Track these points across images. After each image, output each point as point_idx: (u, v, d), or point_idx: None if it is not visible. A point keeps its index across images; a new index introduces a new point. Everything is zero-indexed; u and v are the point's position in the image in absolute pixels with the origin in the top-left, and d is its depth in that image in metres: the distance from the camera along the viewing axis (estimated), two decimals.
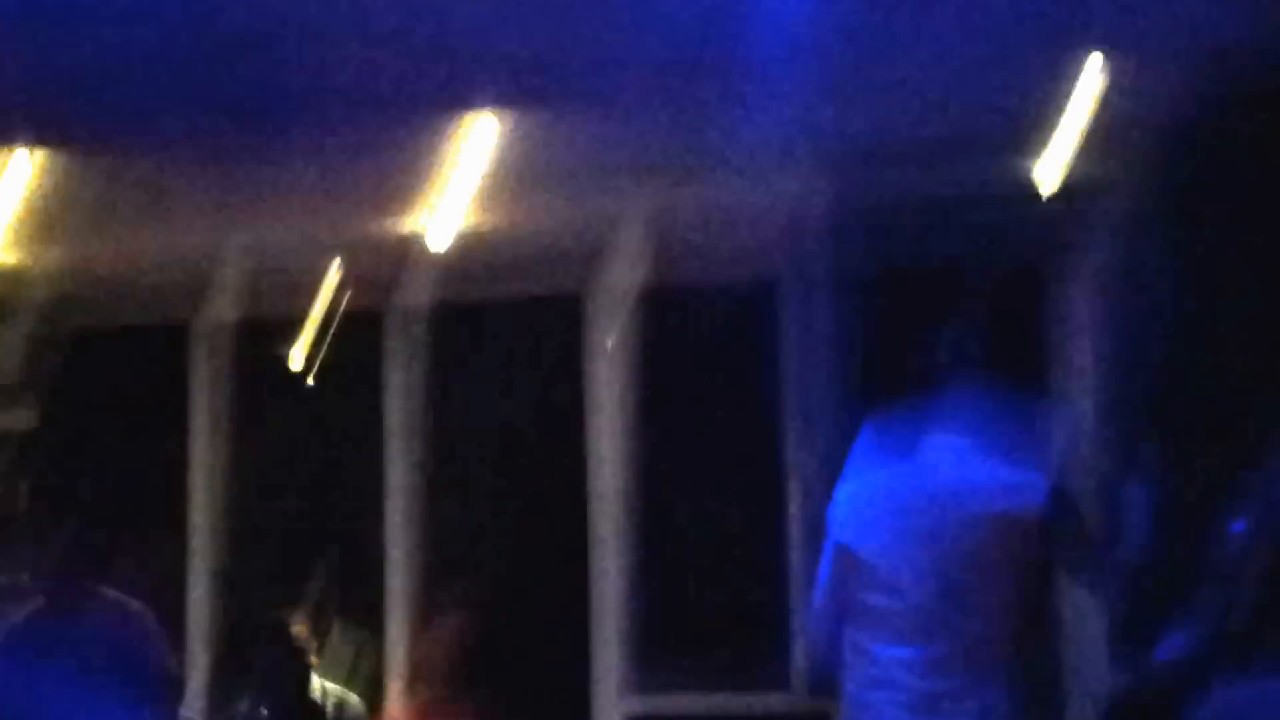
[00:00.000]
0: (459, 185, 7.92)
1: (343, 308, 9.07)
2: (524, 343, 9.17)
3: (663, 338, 9.21)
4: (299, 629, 7.49)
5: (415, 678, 8.97)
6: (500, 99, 7.40)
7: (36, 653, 7.34)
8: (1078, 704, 6.53)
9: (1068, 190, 7.29)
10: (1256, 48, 5.88)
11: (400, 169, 8.03)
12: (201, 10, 6.76)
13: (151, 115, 7.30)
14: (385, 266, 8.62)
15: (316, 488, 9.46)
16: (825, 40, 6.58)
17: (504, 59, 7.02)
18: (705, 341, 9.21)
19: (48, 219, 8.46)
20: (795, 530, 8.07)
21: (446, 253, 8.21)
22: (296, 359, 9.43)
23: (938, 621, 4.87)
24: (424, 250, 8.23)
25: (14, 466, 9.17)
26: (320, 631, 7.94)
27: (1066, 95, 6.72)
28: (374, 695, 8.52)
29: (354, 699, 7.47)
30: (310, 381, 9.49)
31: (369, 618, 8.98)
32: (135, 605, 7.49)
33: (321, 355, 9.48)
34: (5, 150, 7.71)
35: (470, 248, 8.28)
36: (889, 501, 5.05)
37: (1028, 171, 7.21)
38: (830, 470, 7.91)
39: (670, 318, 9.16)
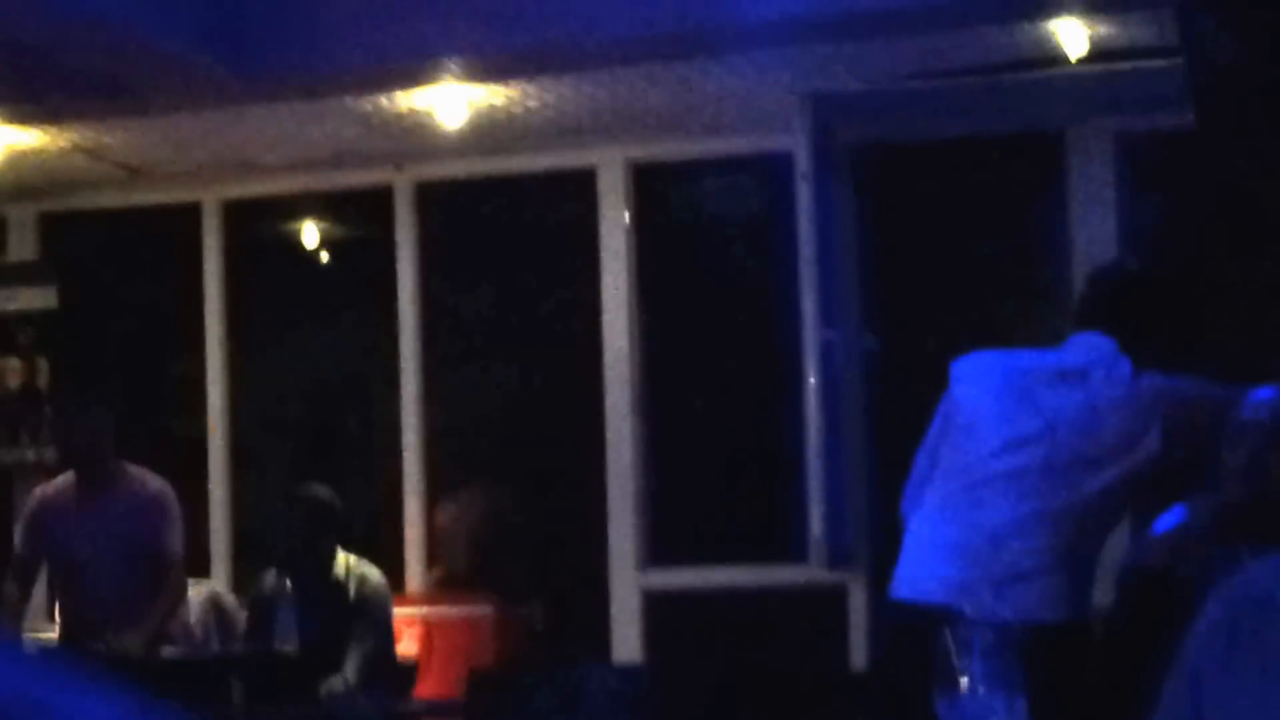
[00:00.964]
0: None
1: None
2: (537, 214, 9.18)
3: (677, 210, 9.22)
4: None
5: (434, 553, 9.02)
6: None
7: (65, 520, 7.46)
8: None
9: (1090, 55, 7.29)
10: None
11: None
12: None
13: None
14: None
15: (330, 361, 9.49)
16: None
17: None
18: (721, 214, 9.22)
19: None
20: (812, 402, 8.07)
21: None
22: (307, 234, 9.46)
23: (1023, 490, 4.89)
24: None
25: (35, 344, 9.19)
26: None
27: None
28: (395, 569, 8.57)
29: (375, 573, 7.50)
30: (322, 256, 9.51)
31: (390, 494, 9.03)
32: (154, 484, 7.56)
33: (332, 230, 9.51)
34: None
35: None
36: (1012, 364, 5.07)
37: (1050, 36, 7.20)
38: (842, 340, 8.05)
39: (686, 191, 9.17)
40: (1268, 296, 5.40)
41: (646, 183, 8.83)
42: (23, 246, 9.54)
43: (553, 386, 9.13)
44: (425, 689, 8.01)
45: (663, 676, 7.81)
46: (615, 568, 8.79)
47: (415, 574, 8.99)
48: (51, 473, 8.06)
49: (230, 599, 8.17)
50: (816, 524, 7.97)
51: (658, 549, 8.80)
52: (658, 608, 8.75)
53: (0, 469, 9.24)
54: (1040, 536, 4.79)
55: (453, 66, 7.58)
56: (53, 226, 9.54)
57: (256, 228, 9.45)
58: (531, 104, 8.11)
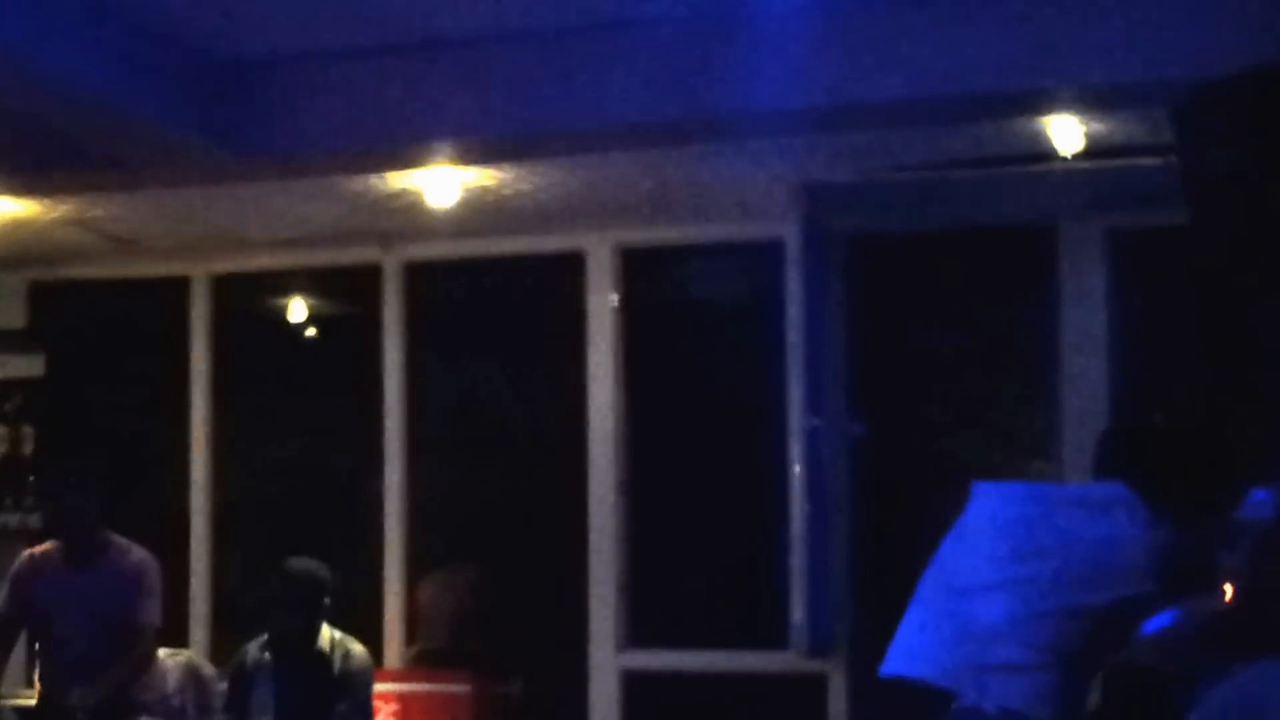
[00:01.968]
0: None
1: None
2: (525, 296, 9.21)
3: (665, 294, 9.25)
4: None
5: (413, 629, 9.01)
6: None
7: (49, 585, 7.47)
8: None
9: (1084, 151, 7.35)
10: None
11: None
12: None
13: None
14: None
15: (315, 436, 9.50)
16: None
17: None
18: (709, 299, 9.26)
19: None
20: (796, 489, 8.10)
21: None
22: (294, 310, 9.48)
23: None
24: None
25: (21, 411, 9.20)
26: None
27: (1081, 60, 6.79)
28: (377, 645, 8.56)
29: (358, 647, 7.50)
30: (308, 332, 9.53)
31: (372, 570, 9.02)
32: (138, 554, 7.59)
33: (319, 306, 9.54)
34: None
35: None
36: (1036, 489, 5.12)
37: (1044, 132, 7.27)
38: (827, 427, 8.07)
39: (674, 275, 9.20)
40: (1255, 407, 5.44)
41: (635, 266, 8.86)
42: (12, 314, 9.55)
43: (537, 466, 9.13)
44: None
45: None
46: (595, 647, 8.78)
47: (394, 649, 8.98)
48: (35, 538, 8.09)
49: (209, 669, 8.15)
50: (797, 611, 7.97)
51: (638, 630, 8.79)
52: (636, 688, 8.74)
53: None
54: (1039, 636, 4.81)
55: (444, 149, 7.62)
56: (42, 295, 9.56)
57: (244, 302, 9.47)
58: (521, 187, 8.14)
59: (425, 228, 8.65)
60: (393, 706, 8.42)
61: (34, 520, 8.74)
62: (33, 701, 7.72)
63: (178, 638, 8.54)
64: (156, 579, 7.59)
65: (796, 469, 8.15)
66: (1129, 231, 8.05)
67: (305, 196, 8.32)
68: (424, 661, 8.94)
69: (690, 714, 8.73)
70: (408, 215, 8.46)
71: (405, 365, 9.08)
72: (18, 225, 8.67)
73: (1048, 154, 7.38)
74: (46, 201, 8.35)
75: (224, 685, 7.71)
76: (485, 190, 8.15)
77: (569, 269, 8.86)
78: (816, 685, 8.32)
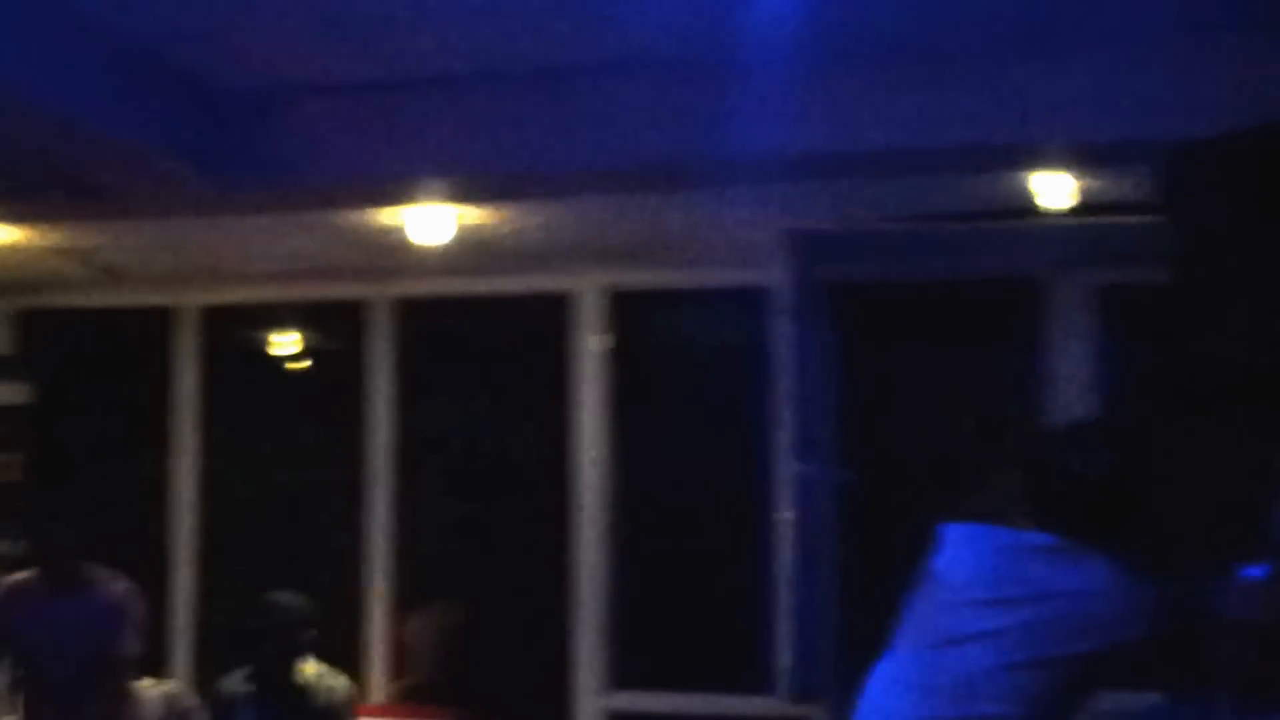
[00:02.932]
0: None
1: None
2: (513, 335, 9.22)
3: (653, 337, 9.26)
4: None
5: (398, 665, 9.00)
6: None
7: (30, 614, 7.46)
8: None
9: (1071, 207, 7.38)
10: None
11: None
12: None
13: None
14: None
15: (300, 470, 9.49)
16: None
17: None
18: (697, 343, 9.26)
19: None
20: (783, 535, 8.09)
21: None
22: (282, 343, 9.49)
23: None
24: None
25: (8, 439, 9.21)
26: None
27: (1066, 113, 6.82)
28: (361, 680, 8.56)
29: (343, 683, 7.50)
30: (296, 365, 9.54)
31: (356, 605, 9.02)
32: (119, 586, 7.58)
33: (307, 340, 9.54)
34: None
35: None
36: (1005, 536, 5.10)
37: (1031, 186, 7.30)
38: (815, 474, 8.07)
39: (663, 318, 9.21)
40: (1235, 464, 5.43)
41: (624, 309, 8.88)
42: (0, 342, 9.56)
43: (523, 505, 9.13)
44: None
45: None
46: (580, 688, 8.78)
47: (379, 685, 8.97)
48: (20, 566, 8.07)
49: (191, 700, 8.14)
50: (784, 656, 7.96)
51: (623, 671, 8.79)
52: None
53: None
54: (1010, 686, 4.79)
55: (435, 187, 7.63)
56: (31, 323, 9.58)
57: (232, 334, 9.48)
58: (511, 226, 8.16)
59: (415, 265, 8.66)
60: None
61: (20, 548, 8.73)
62: None
63: (160, 668, 8.54)
64: (138, 610, 7.59)
65: (784, 515, 8.15)
66: (1116, 287, 8.07)
67: (295, 230, 8.33)
68: (408, 697, 8.93)
69: None
70: (397, 252, 8.47)
71: (392, 401, 9.09)
72: (7, 253, 8.68)
73: (1035, 208, 7.40)
74: (36, 230, 8.36)
75: (206, 717, 7.71)
76: (475, 229, 8.16)
77: (557, 309, 8.88)
78: None
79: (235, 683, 7.51)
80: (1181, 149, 5.66)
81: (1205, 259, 5.58)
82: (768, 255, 8.09)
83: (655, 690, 8.72)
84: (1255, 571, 4.38)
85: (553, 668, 8.83)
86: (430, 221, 7.99)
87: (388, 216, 8.02)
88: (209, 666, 8.68)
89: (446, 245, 8.20)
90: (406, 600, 9.06)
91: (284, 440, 9.45)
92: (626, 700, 8.73)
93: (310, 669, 7.47)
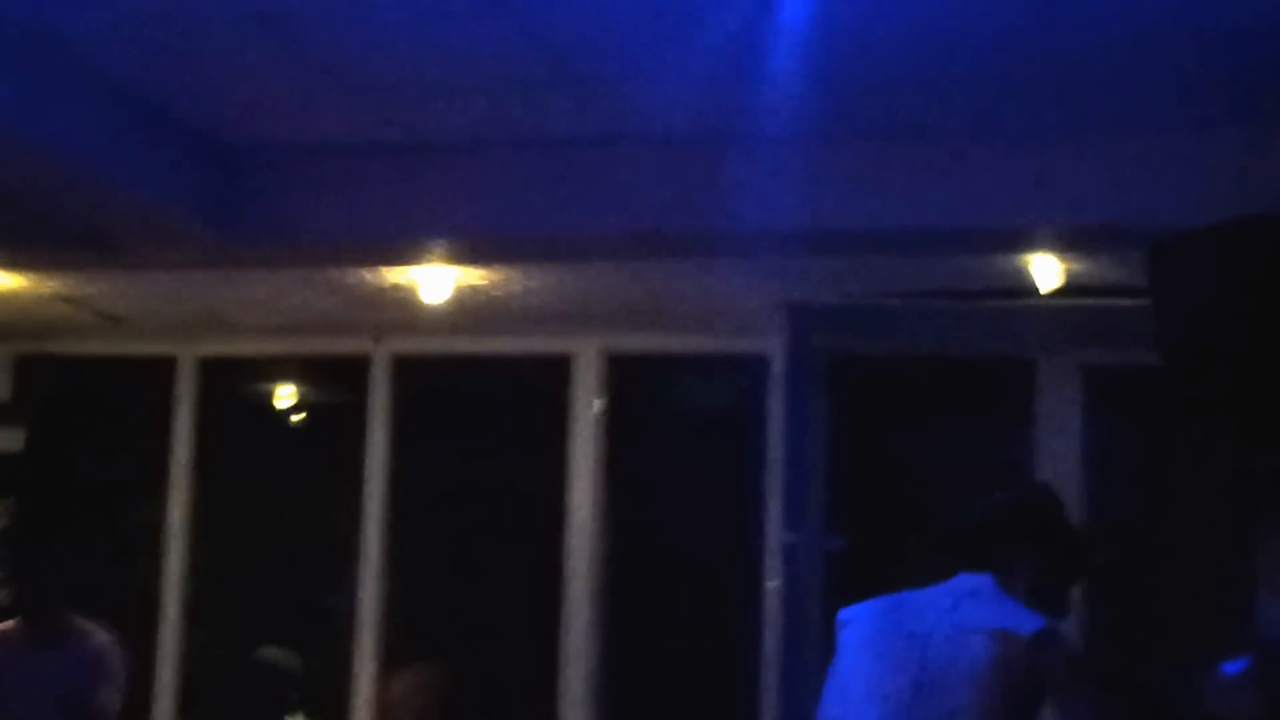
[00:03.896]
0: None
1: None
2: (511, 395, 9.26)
3: (649, 402, 9.30)
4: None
5: None
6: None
7: (7, 666, 7.42)
8: None
9: (1062, 288, 7.44)
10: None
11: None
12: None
13: None
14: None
15: (293, 524, 9.51)
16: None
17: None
18: (692, 409, 9.30)
19: None
20: (771, 603, 8.13)
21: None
22: (281, 396, 9.52)
23: None
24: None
25: (2, 484, 9.20)
26: None
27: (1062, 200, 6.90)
28: None
29: None
30: (293, 419, 9.57)
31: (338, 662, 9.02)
32: (101, 638, 7.53)
33: (306, 394, 9.57)
34: None
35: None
36: (891, 601, 5.13)
37: (1024, 268, 7.36)
38: (805, 543, 8.10)
39: (659, 384, 9.25)
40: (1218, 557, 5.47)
41: (621, 373, 8.92)
42: None
43: (515, 566, 9.14)
44: None
45: None
46: None
47: None
48: (4, 614, 8.04)
49: None
50: None
51: None
52: None
53: None
54: None
55: (438, 247, 7.69)
56: (27, 369, 9.60)
57: (231, 386, 9.51)
58: (513, 288, 8.21)
59: (416, 322, 8.70)
60: None
61: (5, 596, 8.71)
62: None
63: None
64: (118, 664, 7.50)
65: (772, 583, 8.18)
66: (1105, 369, 8.12)
67: (298, 285, 8.38)
68: None
69: None
70: (399, 309, 8.52)
71: (388, 457, 9.12)
72: (7, 298, 8.72)
73: (1027, 290, 7.47)
74: (37, 276, 8.41)
75: None
76: (477, 289, 8.21)
77: (556, 371, 8.92)
78: None
79: None
80: (1168, 238, 5.72)
81: (1190, 347, 5.63)
82: (765, 325, 8.16)
83: None
84: (1234, 667, 4.40)
85: None
86: (432, 280, 8.05)
87: (390, 274, 8.08)
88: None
89: (447, 304, 8.26)
90: (394, 658, 9.05)
91: (278, 493, 9.47)
92: None
93: None
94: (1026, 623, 4.81)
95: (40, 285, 8.55)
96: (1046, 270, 7.32)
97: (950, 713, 4.76)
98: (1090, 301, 7.55)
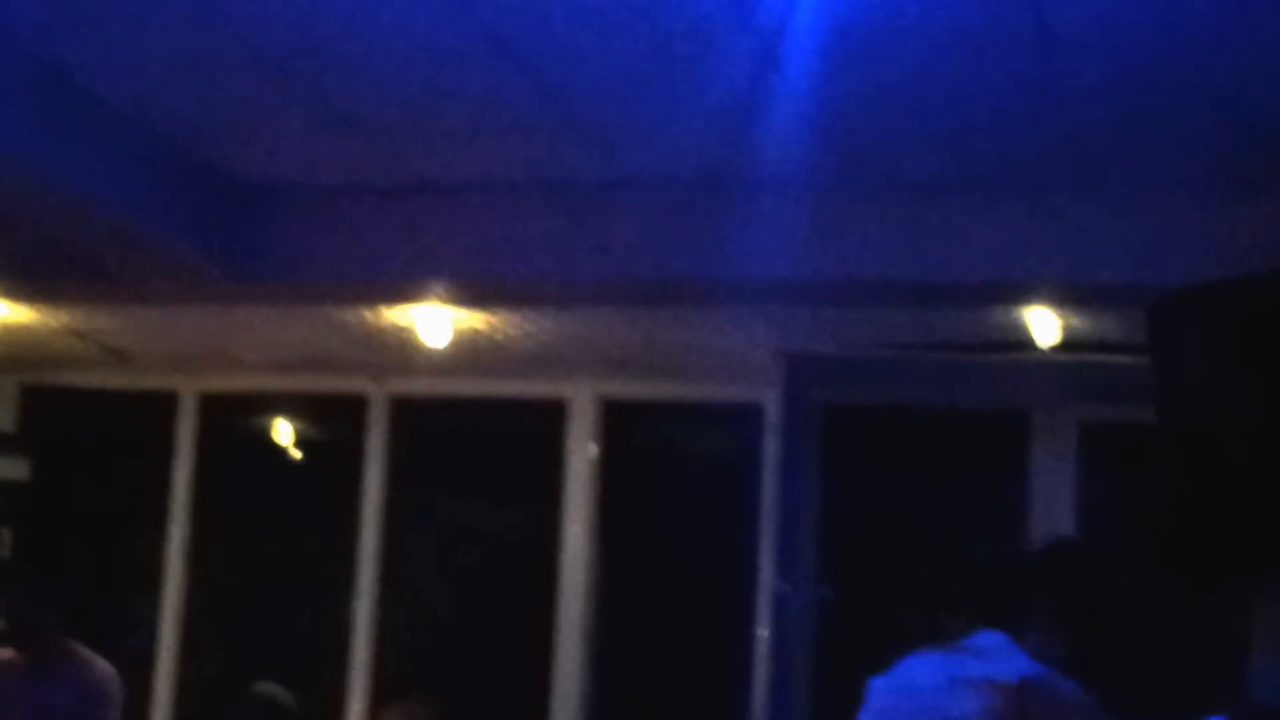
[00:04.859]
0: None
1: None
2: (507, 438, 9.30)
3: (644, 448, 9.34)
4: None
5: None
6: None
7: (5, 696, 7.42)
8: None
9: (1059, 344, 7.49)
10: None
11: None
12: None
13: None
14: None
15: (289, 559, 9.54)
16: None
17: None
18: (687, 456, 9.34)
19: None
20: (761, 650, 8.17)
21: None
22: (280, 433, 9.57)
23: None
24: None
25: (2, 513, 9.24)
26: None
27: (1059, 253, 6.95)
28: None
29: None
30: (292, 455, 9.61)
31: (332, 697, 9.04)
32: (100, 668, 7.54)
33: (305, 431, 9.61)
34: None
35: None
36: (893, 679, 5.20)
37: (1022, 322, 7.42)
38: (796, 592, 8.14)
39: (654, 430, 9.29)
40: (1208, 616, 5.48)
41: (616, 418, 8.97)
42: (1, 417, 9.63)
43: (507, 607, 9.17)
44: None
45: None
46: None
47: None
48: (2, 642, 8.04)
49: None
50: None
51: None
52: None
53: None
54: None
55: (437, 289, 7.75)
56: (33, 400, 9.65)
57: (231, 421, 9.56)
58: (512, 332, 8.27)
59: (415, 363, 8.75)
60: None
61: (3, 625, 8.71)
62: None
63: None
64: (118, 695, 7.51)
65: (762, 632, 8.23)
66: (1100, 425, 8.17)
67: (301, 323, 8.44)
68: None
69: None
70: (398, 350, 8.57)
71: (384, 496, 9.16)
72: (14, 330, 8.78)
73: (1024, 344, 7.52)
74: (45, 309, 8.46)
75: None
76: (475, 332, 8.27)
77: (551, 415, 8.97)
78: None
79: None
80: (1168, 295, 5.78)
81: (1184, 408, 5.68)
82: (761, 374, 8.21)
83: None
84: None
85: None
86: (432, 322, 8.11)
87: (391, 315, 8.13)
88: None
89: (446, 346, 8.31)
90: (386, 695, 9.08)
91: (275, 529, 9.51)
92: None
93: None
94: (1018, 670, 4.86)
95: (48, 318, 8.60)
96: (1044, 325, 7.38)
97: None
98: (1088, 357, 7.60)
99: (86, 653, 7.53)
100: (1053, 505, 8.18)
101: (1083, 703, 4.85)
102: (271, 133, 7.05)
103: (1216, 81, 5.88)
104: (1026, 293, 7.16)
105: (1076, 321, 7.34)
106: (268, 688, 7.55)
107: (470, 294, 7.80)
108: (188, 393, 9.45)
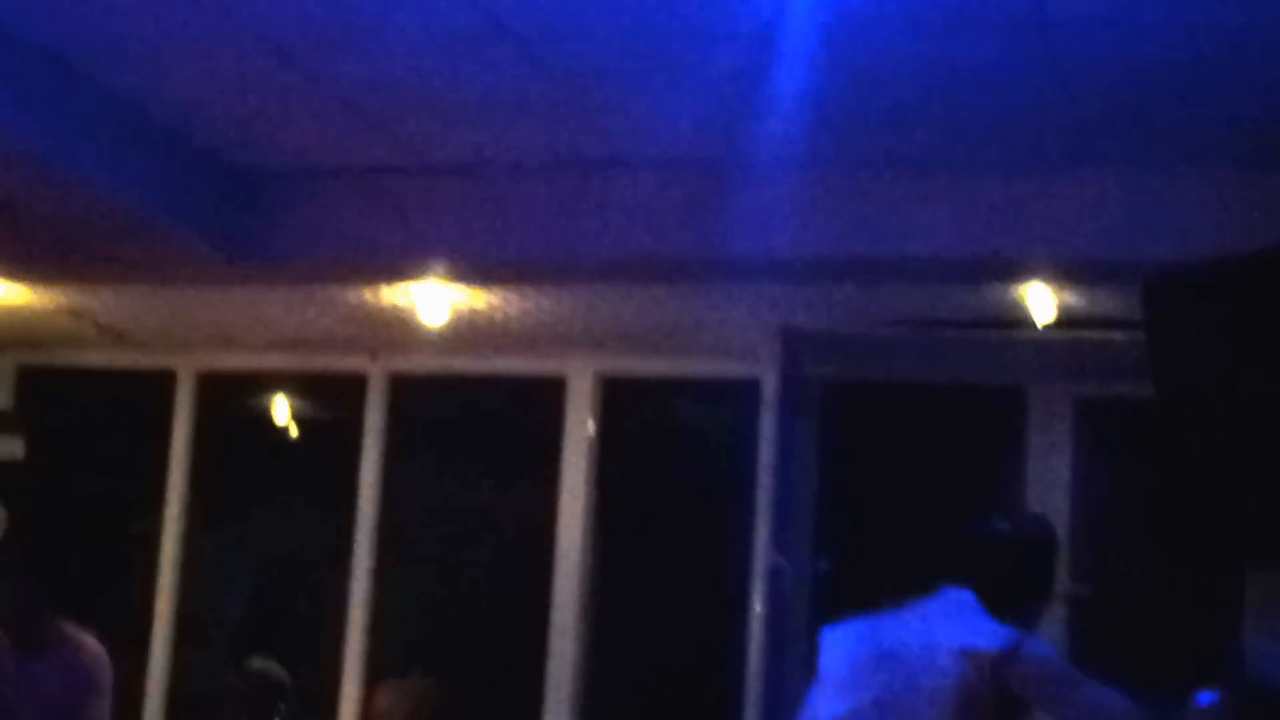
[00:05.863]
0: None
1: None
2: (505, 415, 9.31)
3: (642, 425, 9.35)
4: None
5: None
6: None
7: None
8: None
9: (1057, 321, 7.51)
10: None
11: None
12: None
13: None
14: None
15: (286, 538, 9.56)
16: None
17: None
18: (685, 432, 9.36)
19: None
20: (756, 625, 8.19)
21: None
22: (277, 412, 9.57)
23: None
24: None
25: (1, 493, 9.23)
26: None
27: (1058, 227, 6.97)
28: None
29: None
30: (289, 434, 9.61)
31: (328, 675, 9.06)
32: (90, 649, 7.52)
33: (302, 410, 9.62)
34: None
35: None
36: (868, 621, 5.22)
37: (1019, 299, 7.44)
38: (792, 568, 8.16)
39: (652, 407, 9.30)
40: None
41: (614, 396, 8.98)
42: None
43: (502, 584, 9.19)
44: None
45: None
46: None
47: None
48: None
49: None
50: None
51: None
52: None
53: None
54: None
55: (436, 267, 7.75)
56: (29, 379, 9.65)
57: (228, 401, 9.55)
58: (510, 310, 8.28)
59: (413, 342, 8.76)
60: None
61: None
62: None
63: None
64: (107, 676, 7.48)
65: (757, 606, 8.25)
66: (1097, 402, 8.18)
67: (298, 303, 8.44)
68: None
69: None
70: (397, 328, 8.57)
71: (382, 474, 9.17)
72: (10, 310, 8.78)
73: (1021, 320, 7.54)
74: (42, 289, 8.46)
75: None
76: (474, 310, 8.27)
77: (550, 393, 8.97)
78: None
79: None
80: (1164, 271, 5.79)
81: (1180, 384, 5.68)
82: (759, 350, 8.22)
83: None
84: (1207, 699, 4.45)
85: None
86: (431, 301, 8.11)
87: (389, 294, 8.13)
88: None
89: (445, 324, 8.31)
90: (381, 672, 9.09)
91: (271, 507, 9.52)
92: None
93: None
94: (994, 639, 4.88)
95: (44, 297, 8.60)
96: (1041, 302, 7.39)
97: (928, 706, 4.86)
98: (1085, 334, 7.62)
99: (77, 633, 7.51)
100: (1049, 481, 8.20)
101: (1059, 669, 4.88)
102: (270, 114, 7.06)
103: (1213, 58, 5.90)
104: (1023, 269, 7.18)
105: (1073, 298, 7.36)
106: (263, 664, 7.56)
107: (469, 272, 7.81)
108: (185, 372, 9.45)
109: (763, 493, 8.31)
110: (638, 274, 7.64)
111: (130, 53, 6.43)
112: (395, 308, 8.30)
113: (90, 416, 9.70)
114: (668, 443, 9.27)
